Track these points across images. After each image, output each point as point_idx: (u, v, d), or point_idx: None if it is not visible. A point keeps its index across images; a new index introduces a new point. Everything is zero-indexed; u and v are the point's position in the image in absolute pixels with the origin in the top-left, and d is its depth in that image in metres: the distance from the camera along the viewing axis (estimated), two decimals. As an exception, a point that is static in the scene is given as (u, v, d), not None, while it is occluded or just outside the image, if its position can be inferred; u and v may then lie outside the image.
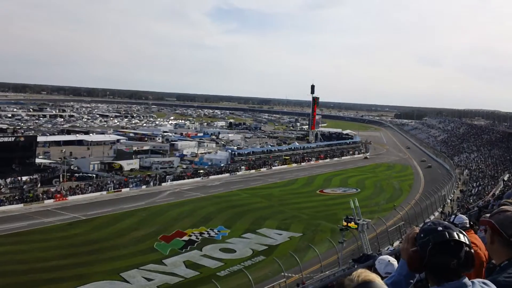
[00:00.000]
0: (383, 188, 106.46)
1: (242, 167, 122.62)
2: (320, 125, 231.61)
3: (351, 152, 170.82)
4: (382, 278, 3.47)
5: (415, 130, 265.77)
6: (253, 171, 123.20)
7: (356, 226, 51.24)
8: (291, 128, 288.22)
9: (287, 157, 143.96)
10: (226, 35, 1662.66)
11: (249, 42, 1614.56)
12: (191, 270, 50.80)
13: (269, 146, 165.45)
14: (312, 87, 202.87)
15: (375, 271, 5.75)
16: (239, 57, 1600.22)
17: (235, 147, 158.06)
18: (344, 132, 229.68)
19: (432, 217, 65.33)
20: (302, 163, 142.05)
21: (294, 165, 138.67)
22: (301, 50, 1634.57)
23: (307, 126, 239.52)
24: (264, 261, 54.48)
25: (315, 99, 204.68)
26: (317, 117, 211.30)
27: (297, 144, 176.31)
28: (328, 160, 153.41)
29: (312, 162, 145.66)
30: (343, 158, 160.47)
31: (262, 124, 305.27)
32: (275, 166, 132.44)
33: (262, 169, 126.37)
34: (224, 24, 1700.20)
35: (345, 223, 52.31)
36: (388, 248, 21.74)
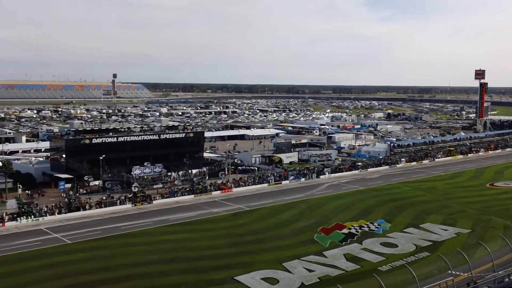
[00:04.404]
0: None
1: (402, 159, 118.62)
2: (489, 113, 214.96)
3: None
4: None
5: None
6: (414, 163, 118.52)
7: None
8: (456, 117, 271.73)
9: (451, 148, 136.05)
10: (380, 23, 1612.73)
11: (406, 28, 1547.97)
12: (351, 263, 50.48)
13: (432, 137, 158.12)
14: (480, 72, 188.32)
15: None
16: (395, 45, 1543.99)
17: (394, 139, 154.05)
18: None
19: None
20: (469, 155, 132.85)
21: (460, 156, 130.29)
22: (465, 33, 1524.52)
23: (474, 115, 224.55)
24: (429, 258, 52.02)
25: (483, 85, 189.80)
26: (485, 104, 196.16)
27: (463, 134, 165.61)
28: (499, 150, 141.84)
29: (480, 153, 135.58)
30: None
31: (423, 114, 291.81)
32: (439, 158, 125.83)
33: (424, 161, 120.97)
34: (378, 12, 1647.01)
35: (521, 220, 47.80)
36: None
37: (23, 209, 66.35)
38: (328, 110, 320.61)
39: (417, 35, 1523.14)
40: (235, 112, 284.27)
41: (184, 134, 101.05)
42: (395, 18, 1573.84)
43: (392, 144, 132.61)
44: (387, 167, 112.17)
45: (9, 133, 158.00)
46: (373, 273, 42.99)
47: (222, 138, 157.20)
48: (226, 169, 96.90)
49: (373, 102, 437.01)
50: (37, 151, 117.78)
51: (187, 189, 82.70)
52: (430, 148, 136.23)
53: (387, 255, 52.64)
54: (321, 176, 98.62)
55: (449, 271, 41.81)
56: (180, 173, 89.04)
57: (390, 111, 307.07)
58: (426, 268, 48.34)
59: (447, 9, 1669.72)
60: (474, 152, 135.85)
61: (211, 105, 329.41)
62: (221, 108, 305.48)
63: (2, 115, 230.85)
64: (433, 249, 54.54)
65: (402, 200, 79.15)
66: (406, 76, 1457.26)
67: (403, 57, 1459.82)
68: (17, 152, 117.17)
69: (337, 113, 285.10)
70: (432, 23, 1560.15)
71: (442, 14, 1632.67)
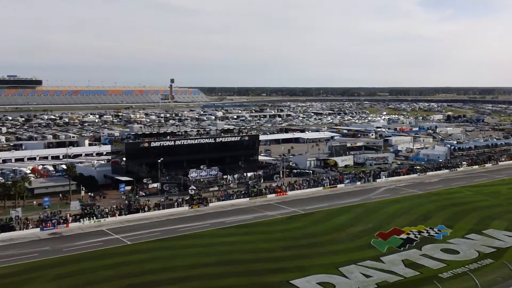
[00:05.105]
0: None
1: (463, 162, 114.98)
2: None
3: None
4: None
5: None
6: (476, 166, 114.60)
7: None
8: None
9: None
10: (441, 23, 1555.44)
11: (468, 28, 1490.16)
12: (410, 269, 49.27)
13: (494, 140, 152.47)
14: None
15: None
16: (456, 45, 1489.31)
17: (455, 142, 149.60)
18: None
19: None
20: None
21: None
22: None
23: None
24: (492, 265, 50.08)
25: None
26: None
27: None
28: None
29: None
30: None
31: (485, 115, 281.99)
32: (502, 161, 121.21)
33: (486, 165, 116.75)
34: (438, 12, 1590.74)
35: None
36: None
37: (85, 211, 68.76)
38: (385, 113, 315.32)
39: (480, 34, 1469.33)
40: (289, 115, 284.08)
41: (239, 138, 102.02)
42: (456, 18, 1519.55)
43: (452, 147, 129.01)
44: (447, 170, 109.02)
45: (73, 137, 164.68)
46: (434, 280, 41.93)
47: (277, 141, 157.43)
48: (281, 172, 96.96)
49: (432, 104, 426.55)
50: (99, 154, 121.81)
51: (243, 192, 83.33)
52: (493, 151, 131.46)
53: (448, 262, 51.10)
54: (378, 180, 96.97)
55: (515, 280, 40.17)
56: (236, 176, 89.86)
57: (450, 113, 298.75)
58: (490, 275, 46.65)
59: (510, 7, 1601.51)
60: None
61: (266, 109, 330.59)
62: (276, 111, 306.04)
63: (67, 120, 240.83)
64: (497, 256, 52.52)
65: (464, 205, 76.68)
66: (467, 77, 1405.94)
67: (464, 57, 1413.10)
68: (80, 155, 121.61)
69: (394, 116, 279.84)
70: (496, 21, 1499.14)
71: (507, 12, 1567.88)
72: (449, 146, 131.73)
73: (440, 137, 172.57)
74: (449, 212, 72.38)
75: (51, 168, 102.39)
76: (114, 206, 71.64)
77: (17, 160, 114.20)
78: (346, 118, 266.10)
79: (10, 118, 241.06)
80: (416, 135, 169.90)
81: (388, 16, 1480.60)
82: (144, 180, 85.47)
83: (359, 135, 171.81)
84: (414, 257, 52.98)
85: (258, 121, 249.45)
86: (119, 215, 69.53)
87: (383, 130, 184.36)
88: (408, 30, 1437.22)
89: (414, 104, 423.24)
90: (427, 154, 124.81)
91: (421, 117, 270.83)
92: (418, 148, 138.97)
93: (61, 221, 65.33)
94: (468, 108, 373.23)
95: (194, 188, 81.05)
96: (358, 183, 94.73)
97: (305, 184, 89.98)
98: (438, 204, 77.63)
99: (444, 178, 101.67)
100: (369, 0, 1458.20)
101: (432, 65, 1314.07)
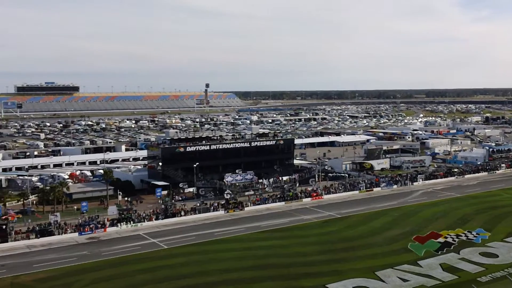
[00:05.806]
0: None
1: (502, 165, 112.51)
2: None
3: None
4: None
5: None
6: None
7: None
8: None
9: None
10: (477, 23, 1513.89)
11: (505, 28, 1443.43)
12: (448, 273, 48.56)
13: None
14: None
15: None
16: (493, 46, 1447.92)
17: (493, 144, 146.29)
18: None
19: None
20: None
21: None
22: None
23: None
24: (533, 269, 48.94)
25: None
26: None
27: None
28: None
29: None
30: None
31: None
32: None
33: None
34: (474, 13, 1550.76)
35: None
36: None
37: (123, 215, 69.95)
38: (421, 115, 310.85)
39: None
40: (324, 118, 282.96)
41: (274, 142, 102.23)
42: (493, 18, 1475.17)
43: (490, 149, 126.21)
44: (485, 173, 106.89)
45: (110, 142, 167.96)
46: (472, 284, 41.32)
47: (312, 145, 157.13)
48: (316, 176, 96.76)
49: (470, 105, 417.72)
50: (135, 159, 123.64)
51: (278, 196, 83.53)
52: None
53: (486, 266, 50.23)
54: (415, 183, 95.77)
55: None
56: (271, 180, 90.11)
57: (488, 114, 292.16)
58: (531, 280, 45.56)
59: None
60: None
61: (301, 112, 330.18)
62: (311, 115, 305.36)
63: (103, 126, 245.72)
64: (538, 261, 51.27)
65: (503, 208, 75.08)
66: (505, 78, 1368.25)
67: (502, 57, 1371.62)
68: (117, 160, 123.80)
69: (430, 118, 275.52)
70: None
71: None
72: (487, 148, 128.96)
73: (478, 139, 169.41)
74: (488, 215, 70.99)
75: (88, 173, 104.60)
76: (151, 211, 72.94)
77: (55, 165, 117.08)
78: (382, 121, 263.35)
79: (48, 124, 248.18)
80: (454, 138, 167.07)
81: (423, 17, 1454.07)
82: (180, 185, 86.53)
83: (396, 138, 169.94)
84: (452, 261, 52.27)
85: (293, 124, 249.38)
86: (156, 219, 70.73)
87: (420, 132, 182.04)
88: (444, 31, 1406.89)
89: (452, 106, 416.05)
90: (465, 157, 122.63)
91: (458, 119, 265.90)
92: (456, 151, 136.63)
93: (99, 225, 66.73)
94: (507, 109, 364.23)
95: (230, 192, 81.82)
96: (395, 186, 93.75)
97: (341, 188, 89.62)
98: (476, 207, 76.23)
99: (483, 181, 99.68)
100: (404, 1, 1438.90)
101: (469, 66, 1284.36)
